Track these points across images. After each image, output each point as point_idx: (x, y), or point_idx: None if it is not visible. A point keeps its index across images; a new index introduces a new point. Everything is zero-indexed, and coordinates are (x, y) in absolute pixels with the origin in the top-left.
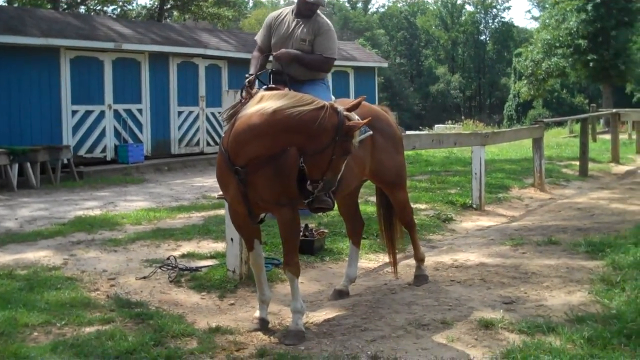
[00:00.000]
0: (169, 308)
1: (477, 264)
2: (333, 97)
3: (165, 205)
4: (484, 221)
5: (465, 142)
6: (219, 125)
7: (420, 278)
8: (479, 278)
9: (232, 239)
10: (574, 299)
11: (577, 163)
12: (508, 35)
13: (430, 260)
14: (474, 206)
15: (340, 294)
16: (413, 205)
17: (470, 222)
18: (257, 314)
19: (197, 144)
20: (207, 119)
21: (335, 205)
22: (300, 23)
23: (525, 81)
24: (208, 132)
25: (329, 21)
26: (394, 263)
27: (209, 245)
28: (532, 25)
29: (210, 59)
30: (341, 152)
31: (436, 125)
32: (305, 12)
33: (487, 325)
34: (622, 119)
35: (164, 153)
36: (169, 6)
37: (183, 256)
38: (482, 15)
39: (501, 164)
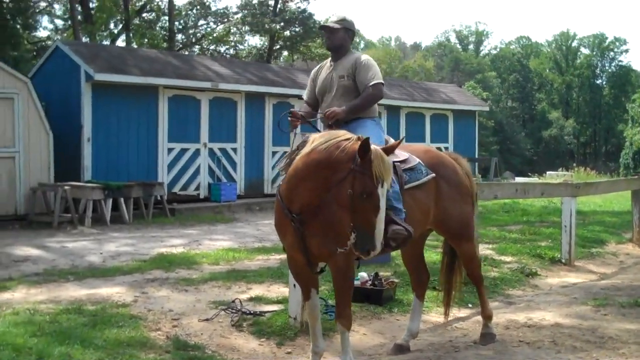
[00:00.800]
0: (225, 353)
1: (551, 324)
2: (387, 136)
3: (247, 246)
4: (572, 277)
5: (553, 193)
6: None
7: (486, 337)
8: (549, 340)
9: (294, 285)
10: None
11: None
12: (626, 80)
13: (503, 317)
14: (563, 261)
15: (401, 349)
16: (498, 257)
17: (556, 278)
18: None
19: None
20: None
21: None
22: (336, 64)
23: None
24: None
25: (363, 54)
26: (446, 314)
27: (278, 290)
28: None
29: None
30: (360, 187)
31: (548, 172)
32: (332, 46)
33: None
34: None
35: (256, 192)
36: (278, 46)
37: (251, 299)
38: (598, 59)
39: (602, 216)
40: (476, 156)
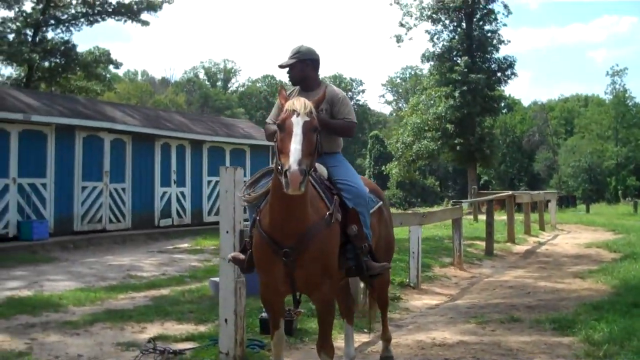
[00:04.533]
0: None
1: (456, 342)
2: None
3: (95, 285)
4: (428, 300)
5: (407, 222)
6: (122, 202)
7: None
8: (471, 356)
9: (226, 320)
10: None
11: (477, 242)
12: (363, 118)
13: (407, 338)
14: (412, 285)
15: None
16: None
17: (416, 301)
18: None
19: (100, 220)
20: (111, 194)
21: None
22: (308, 95)
23: (397, 163)
24: (111, 209)
25: (338, 89)
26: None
27: (174, 327)
28: (386, 109)
29: (115, 133)
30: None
31: None
32: (294, 81)
33: None
34: (517, 200)
35: (66, 230)
36: (36, 78)
37: (155, 339)
38: None
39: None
40: None
